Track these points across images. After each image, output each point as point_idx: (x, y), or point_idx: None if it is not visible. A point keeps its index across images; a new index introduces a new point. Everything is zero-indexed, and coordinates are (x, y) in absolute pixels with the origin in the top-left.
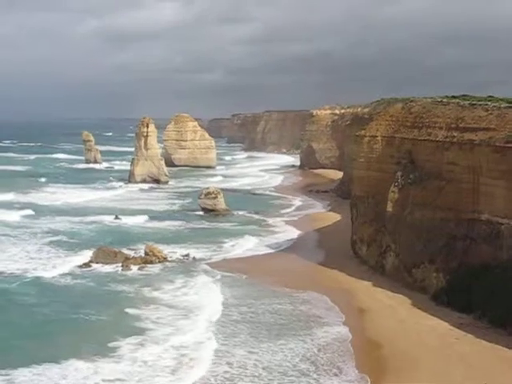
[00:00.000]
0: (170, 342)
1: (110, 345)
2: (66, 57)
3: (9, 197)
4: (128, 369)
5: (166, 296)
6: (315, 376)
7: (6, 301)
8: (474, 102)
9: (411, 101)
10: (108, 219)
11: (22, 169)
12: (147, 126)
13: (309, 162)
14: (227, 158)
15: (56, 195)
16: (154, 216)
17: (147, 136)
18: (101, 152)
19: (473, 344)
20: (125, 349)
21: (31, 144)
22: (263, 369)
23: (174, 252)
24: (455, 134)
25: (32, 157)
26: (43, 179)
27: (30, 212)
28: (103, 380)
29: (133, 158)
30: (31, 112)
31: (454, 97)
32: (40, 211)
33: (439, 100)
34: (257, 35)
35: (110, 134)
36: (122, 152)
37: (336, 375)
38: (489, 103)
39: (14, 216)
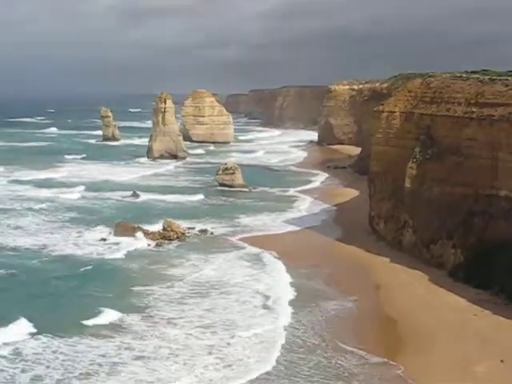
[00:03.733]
0: (194, 320)
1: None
2: (82, 32)
3: (63, 173)
4: (164, 345)
5: (185, 271)
6: (329, 353)
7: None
8: (493, 77)
9: (430, 76)
10: (133, 195)
11: (63, 146)
12: (165, 102)
13: (327, 138)
14: (245, 133)
15: (94, 172)
16: (172, 191)
17: (165, 112)
18: (120, 128)
19: (490, 320)
20: (145, 325)
21: (61, 121)
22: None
23: (192, 227)
24: (474, 110)
25: (68, 132)
26: (82, 155)
27: (82, 188)
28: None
29: (151, 134)
30: (49, 88)
31: (473, 72)
32: (90, 188)
33: (458, 75)
34: (274, 10)
35: (139, 110)
36: (143, 128)
37: (351, 351)
38: (509, 78)
39: (74, 194)
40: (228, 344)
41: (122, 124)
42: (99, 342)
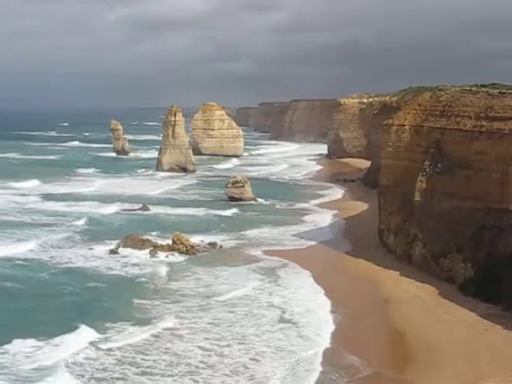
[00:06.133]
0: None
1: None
2: (93, 46)
3: (92, 188)
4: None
5: (190, 285)
6: (332, 367)
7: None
8: (503, 91)
9: (440, 89)
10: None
11: (84, 159)
12: (175, 115)
13: (336, 151)
14: (259, 147)
15: (116, 186)
16: (182, 205)
17: (175, 125)
18: (137, 142)
19: (501, 335)
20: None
21: (80, 135)
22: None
23: (202, 241)
24: (484, 124)
25: (92, 145)
26: (104, 168)
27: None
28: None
29: (160, 147)
30: (59, 101)
31: (483, 85)
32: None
33: (468, 89)
34: (283, 24)
35: (155, 123)
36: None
37: (356, 365)
38: None
39: (110, 209)
40: (252, 360)
41: (142, 137)
42: (99, 353)
